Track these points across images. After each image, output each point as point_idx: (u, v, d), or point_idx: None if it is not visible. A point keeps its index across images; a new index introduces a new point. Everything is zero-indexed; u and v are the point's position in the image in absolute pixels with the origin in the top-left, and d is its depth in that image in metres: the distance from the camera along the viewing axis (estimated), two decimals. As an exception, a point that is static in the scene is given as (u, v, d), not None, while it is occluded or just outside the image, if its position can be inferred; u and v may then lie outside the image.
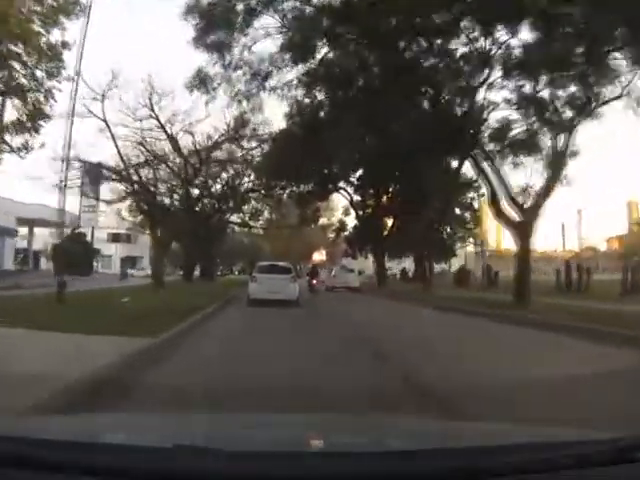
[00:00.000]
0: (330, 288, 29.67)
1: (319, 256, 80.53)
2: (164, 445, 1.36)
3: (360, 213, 33.90)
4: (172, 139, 21.80)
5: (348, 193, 33.88)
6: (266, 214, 36.49)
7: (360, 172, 33.64)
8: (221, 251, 68.98)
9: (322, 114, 26.34)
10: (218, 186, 30.87)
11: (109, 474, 1.22)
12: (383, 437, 1.88)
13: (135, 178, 21.70)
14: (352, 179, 33.37)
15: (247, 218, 35.77)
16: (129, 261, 72.25)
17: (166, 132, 21.56)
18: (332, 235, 41.51)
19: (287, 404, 4.08)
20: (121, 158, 21.42)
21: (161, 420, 2.21)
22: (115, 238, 70.45)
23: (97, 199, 31.91)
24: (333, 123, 24.57)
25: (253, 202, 33.92)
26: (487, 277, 28.39)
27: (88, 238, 54.44)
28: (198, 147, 21.55)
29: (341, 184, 33.76)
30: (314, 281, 26.65)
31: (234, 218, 36.89)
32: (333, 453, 1.51)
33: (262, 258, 53.29)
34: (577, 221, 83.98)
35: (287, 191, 34.42)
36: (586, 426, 2.29)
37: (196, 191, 28.02)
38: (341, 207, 36.60)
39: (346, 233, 38.38)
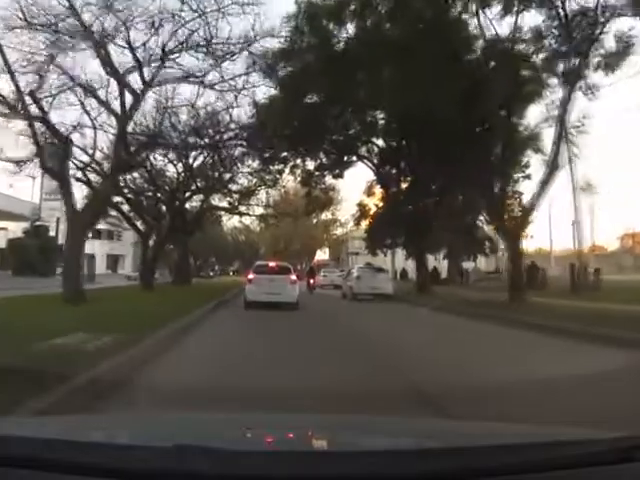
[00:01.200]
0: (351, 295, 20.12)
1: (322, 255, 70.82)
2: (164, 445, 1.27)
3: (391, 191, 24.16)
4: (101, 48, 12.23)
5: (373, 164, 24.23)
6: (262, 198, 26.77)
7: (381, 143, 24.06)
8: (205, 247, 60.27)
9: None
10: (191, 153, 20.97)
11: (109, 474, 1.19)
12: (383, 437, 1.82)
13: (36, 113, 12.26)
14: (379, 143, 23.67)
15: (235, 201, 26.14)
16: (111, 260, 63.17)
17: (88, 30, 11.98)
18: (351, 224, 31.00)
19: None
20: (11, 76, 11.91)
21: (161, 420, 2.12)
22: (95, 234, 60.70)
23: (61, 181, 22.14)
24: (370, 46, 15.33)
25: (241, 175, 24.27)
26: (582, 279, 18.93)
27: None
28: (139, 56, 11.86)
29: (363, 151, 24.09)
30: (312, 281, 26.19)
31: (220, 203, 27.26)
32: (333, 453, 1.48)
33: (260, 258, 44.39)
34: (590, 218, 75.32)
35: (289, 165, 24.97)
36: (586, 426, 2.09)
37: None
38: (365, 182, 26.58)
39: (365, 223, 28.64)
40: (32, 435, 1.46)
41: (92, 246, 57.61)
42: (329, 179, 26.10)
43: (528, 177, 21.06)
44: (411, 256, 35.56)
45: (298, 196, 42.33)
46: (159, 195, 22.21)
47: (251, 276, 15.68)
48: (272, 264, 17.10)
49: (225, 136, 18.21)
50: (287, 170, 25.27)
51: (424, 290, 21.71)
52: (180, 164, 22.30)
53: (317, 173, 25.47)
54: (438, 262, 38.99)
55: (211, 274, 63.31)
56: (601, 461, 1.29)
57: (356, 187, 76.43)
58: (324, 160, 25.10)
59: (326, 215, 67.06)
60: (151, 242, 21.94)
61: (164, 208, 23.70)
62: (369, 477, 1.21)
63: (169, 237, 21.41)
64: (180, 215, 23.90)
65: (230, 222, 49.26)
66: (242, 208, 27.28)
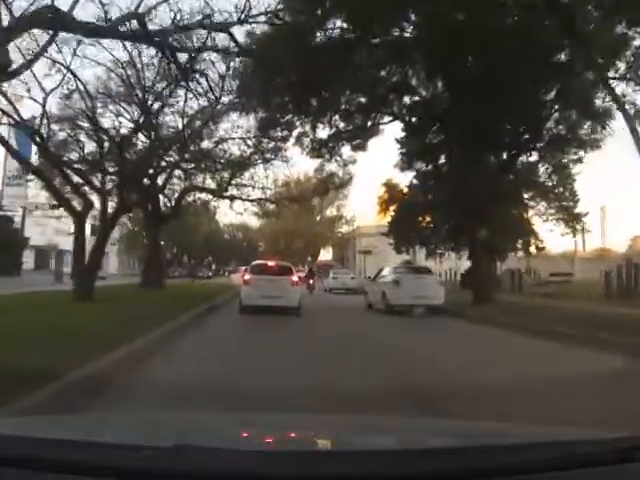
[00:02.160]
0: (384, 306, 13.86)
1: (325, 255, 64.38)
2: (164, 445, 1.23)
3: (431, 166, 17.70)
4: None
5: (409, 128, 17.71)
6: (259, 174, 20.26)
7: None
8: (200, 246, 53.40)
9: None
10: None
11: (109, 473, 1.15)
12: (383, 437, 1.77)
13: None
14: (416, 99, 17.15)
15: (224, 180, 19.69)
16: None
17: None
18: (381, 210, 24.01)
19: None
20: None
21: (161, 420, 2.06)
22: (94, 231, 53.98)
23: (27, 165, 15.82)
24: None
25: (232, 143, 17.90)
26: None
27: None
28: None
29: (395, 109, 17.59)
30: (311, 281, 25.88)
31: (205, 184, 20.68)
32: (333, 453, 1.45)
33: (259, 257, 38.22)
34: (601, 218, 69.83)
35: (295, 132, 18.93)
36: (586, 426, 2.14)
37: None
38: (399, 154, 19.65)
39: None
40: (28, 435, 1.39)
41: (69, 241, 51.47)
42: (347, 151, 19.66)
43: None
44: (431, 255, 29.43)
45: (302, 184, 36.12)
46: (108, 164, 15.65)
47: (247, 277, 13.96)
48: (271, 263, 15.14)
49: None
50: (292, 139, 18.98)
51: (483, 299, 15.33)
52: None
53: (331, 144, 19.14)
54: (452, 261, 32.41)
55: (210, 274, 56.63)
56: (601, 461, 1.27)
57: (365, 176, 69.86)
58: (341, 126, 18.77)
59: (331, 211, 61.07)
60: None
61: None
62: (369, 477, 1.19)
63: (119, 217, 14.74)
64: (150, 198, 17.58)
65: (223, 213, 42.29)
66: (234, 192, 20.81)
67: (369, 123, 18.65)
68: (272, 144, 18.43)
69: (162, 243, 22.67)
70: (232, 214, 23.04)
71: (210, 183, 20.69)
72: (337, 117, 18.54)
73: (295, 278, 14.04)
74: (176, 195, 20.02)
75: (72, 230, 41.48)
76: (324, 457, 1.34)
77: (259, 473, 1.15)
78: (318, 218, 59.13)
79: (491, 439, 1.59)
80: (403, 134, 22.49)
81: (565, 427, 2.19)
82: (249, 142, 18.55)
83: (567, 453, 1.29)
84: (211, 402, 4.00)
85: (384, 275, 15.10)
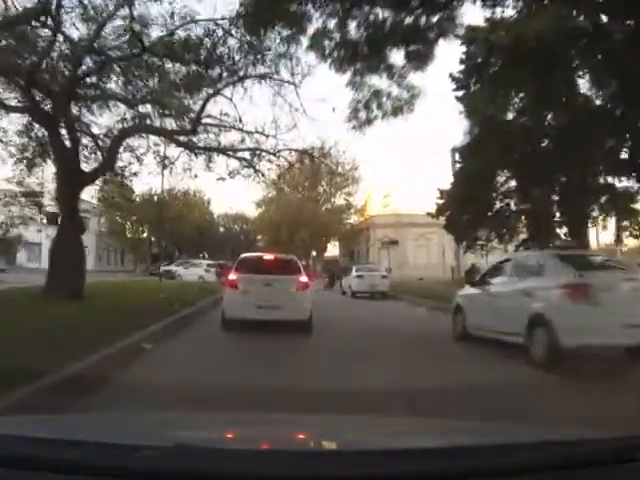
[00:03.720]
0: (544, 352, 5.92)
1: (333, 250, 56.40)
2: (164, 445, 1.23)
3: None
4: None
5: None
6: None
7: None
8: (195, 241, 45.25)
9: None
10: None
11: (109, 473, 1.14)
12: (383, 436, 1.74)
13: None
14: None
15: (186, 108, 11.53)
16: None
17: None
18: (475, 153, 15.25)
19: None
20: None
21: (161, 420, 1.99)
22: (52, 219, 45.90)
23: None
24: None
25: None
26: None
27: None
28: None
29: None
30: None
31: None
32: (333, 453, 1.43)
33: (256, 250, 30.30)
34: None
35: (309, 30, 11.04)
36: (586, 426, 1.99)
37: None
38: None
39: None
40: (27, 434, 1.35)
41: (37, 233, 43.24)
42: (400, 60, 11.54)
43: None
44: (471, 247, 21.49)
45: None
46: None
47: (233, 276, 9.99)
48: (268, 257, 10.97)
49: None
50: (305, 41, 11.13)
51: None
52: None
53: (371, 51, 11.11)
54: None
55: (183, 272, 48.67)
56: (601, 461, 1.24)
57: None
58: (389, 21, 10.82)
59: (339, 199, 53.01)
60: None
61: None
62: (369, 477, 1.17)
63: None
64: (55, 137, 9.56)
65: (198, 171, 33.17)
66: (211, 139, 12.62)
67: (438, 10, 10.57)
68: (270, 42, 10.32)
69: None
70: (225, 202, 14.80)
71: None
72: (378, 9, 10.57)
73: (304, 278, 10.20)
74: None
75: (42, 218, 31.59)
76: (324, 457, 1.33)
77: (259, 473, 1.14)
78: (324, 208, 51.16)
79: (491, 439, 1.57)
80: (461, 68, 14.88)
81: (565, 427, 2.12)
82: (224, 26, 10.39)
83: (567, 453, 1.28)
84: None
85: (523, 273, 6.87)
